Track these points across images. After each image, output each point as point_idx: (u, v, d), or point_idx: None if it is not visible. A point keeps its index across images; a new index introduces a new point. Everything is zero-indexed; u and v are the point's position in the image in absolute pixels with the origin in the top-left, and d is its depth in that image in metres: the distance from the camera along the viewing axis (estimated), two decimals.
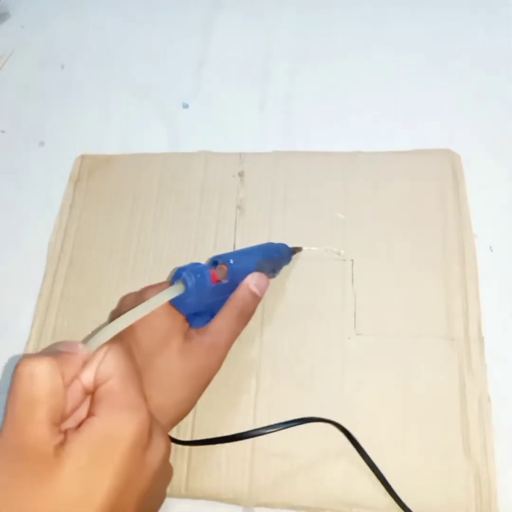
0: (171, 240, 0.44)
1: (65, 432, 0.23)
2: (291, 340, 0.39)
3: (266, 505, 0.34)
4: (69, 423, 0.24)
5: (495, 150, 0.45)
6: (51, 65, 0.56)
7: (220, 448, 0.36)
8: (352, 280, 0.40)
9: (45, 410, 0.22)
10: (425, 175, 0.43)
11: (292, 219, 0.43)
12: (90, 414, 0.24)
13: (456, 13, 0.52)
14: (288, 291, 0.40)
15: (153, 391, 0.30)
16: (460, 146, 0.44)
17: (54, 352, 0.24)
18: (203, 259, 0.42)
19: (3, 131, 0.52)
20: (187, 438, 0.36)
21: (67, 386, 0.23)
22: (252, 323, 0.39)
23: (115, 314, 0.37)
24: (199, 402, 0.34)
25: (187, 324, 0.34)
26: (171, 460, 0.28)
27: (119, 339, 0.26)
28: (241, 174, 0.46)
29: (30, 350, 0.41)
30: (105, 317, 0.41)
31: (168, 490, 0.29)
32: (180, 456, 0.36)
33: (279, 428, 0.32)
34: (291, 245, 0.41)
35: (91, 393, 0.25)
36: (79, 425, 0.23)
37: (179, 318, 0.33)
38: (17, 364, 0.23)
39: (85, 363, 0.24)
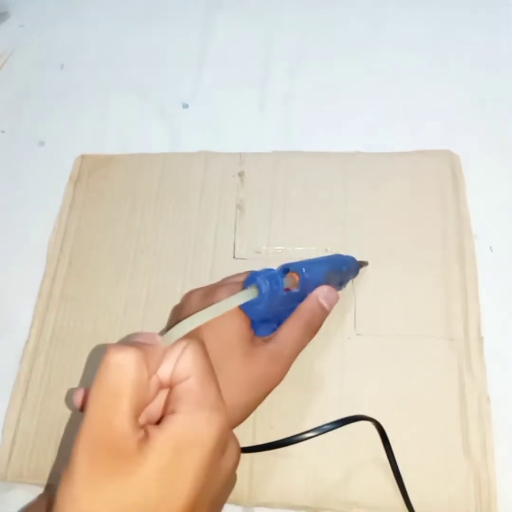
0: (171, 240, 0.44)
1: (144, 427, 0.22)
2: None
3: (266, 505, 0.34)
4: (141, 418, 0.23)
5: (495, 150, 0.45)
6: (50, 65, 0.56)
7: None
8: (352, 280, 0.40)
9: (130, 403, 0.22)
10: (425, 175, 0.43)
11: (292, 219, 0.43)
12: (170, 411, 0.23)
13: (456, 13, 0.52)
14: None
15: None
16: (460, 147, 0.44)
17: (134, 343, 0.23)
18: (203, 259, 0.42)
19: (3, 131, 0.52)
20: None
21: (149, 379, 0.23)
22: None
23: (178, 310, 0.37)
24: None
25: (252, 331, 0.33)
26: None
27: (194, 336, 0.25)
28: (241, 174, 0.46)
29: (30, 350, 0.40)
30: (105, 317, 0.41)
31: None
32: None
33: (327, 429, 0.31)
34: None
35: (166, 388, 0.24)
36: (158, 421, 0.23)
37: (245, 323, 0.32)
38: (105, 353, 0.22)
39: (163, 357, 0.24)
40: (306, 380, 0.37)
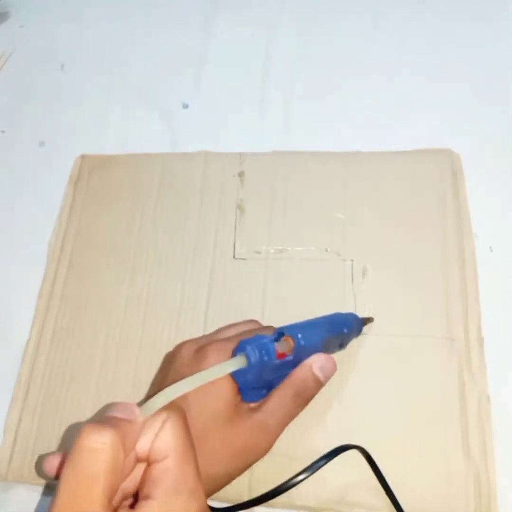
0: (171, 240, 0.44)
1: (117, 510, 0.21)
2: None
3: (266, 505, 0.34)
4: (117, 495, 0.23)
5: (495, 150, 0.45)
6: (50, 65, 0.56)
7: None
8: (352, 280, 0.40)
9: (103, 488, 0.21)
10: (425, 175, 0.43)
11: (292, 219, 0.43)
12: (146, 495, 0.22)
13: (456, 13, 0.52)
14: (288, 291, 0.40)
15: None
16: (460, 146, 0.44)
17: (111, 419, 0.22)
18: (203, 259, 0.42)
19: (3, 131, 0.52)
20: None
21: (125, 460, 0.22)
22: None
23: (169, 359, 0.35)
24: None
25: (239, 397, 0.32)
26: None
27: (174, 404, 0.24)
28: (241, 174, 0.46)
29: (30, 350, 0.41)
30: (105, 317, 0.41)
31: None
32: None
33: (315, 470, 0.32)
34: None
35: (143, 461, 0.23)
36: (132, 505, 0.22)
37: (232, 389, 0.31)
38: (79, 434, 0.21)
39: (141, 431, 0.23)
40: None
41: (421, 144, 0.45)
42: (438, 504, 0.33)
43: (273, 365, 0.30)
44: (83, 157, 0.49)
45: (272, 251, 0.42)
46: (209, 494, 0.31)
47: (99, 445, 0.21)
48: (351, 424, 0.35)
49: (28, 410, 0.39)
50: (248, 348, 0.30)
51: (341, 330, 0.35)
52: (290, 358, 0.31)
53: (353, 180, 0.44)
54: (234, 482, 0.33)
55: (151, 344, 0.40)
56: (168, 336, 0.40)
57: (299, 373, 0.32)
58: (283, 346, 0.31)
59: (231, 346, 0.32)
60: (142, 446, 0.23)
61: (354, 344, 0.38)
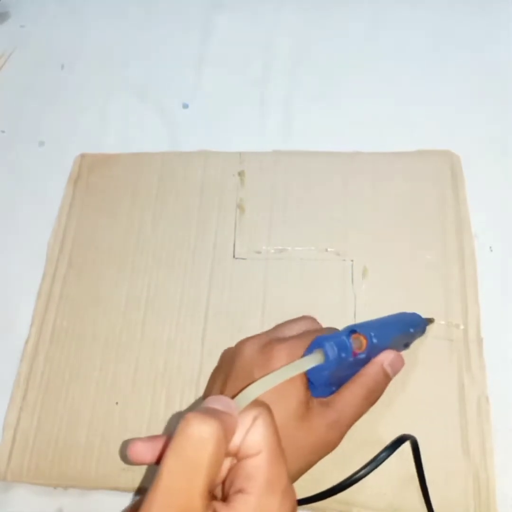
0: (171, 239, 0.44)
1: (211, 503, 0.21)
2: None
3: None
4: None
5: (495, 151, 0.45)
6: (51, 65, 0.56)
7: None
8: (352, 280, 0.40)
9: (205, 479, 0.20)
10: (425, 175, 0.43)
11: (292, 219, 0.43)
12: (239, 489, 0.22)
13: (456, 12, 0.52)
14: (288, 291, 0.40)
15: None
16: (460, 147, 0.44)
17: (212, 411, 0.22)
18: (203, 259, 0.42)
19: (3, 131, 0.52)
20: None
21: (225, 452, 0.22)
22: (252, 323, 0.39)
23: (229, 357, 0.35)
24: None
25: (309, 392, 0.31)
26: None
27: (261, 401, 0.24)
28: (241, 174, 0.46)
29: (29, 349, 0.40)
30: (104, 317, 0.41)
31: None
32: None
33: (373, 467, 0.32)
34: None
35: (231, 456, 0.23)
36: (226, 498, 0.22)
37: (303, 385, 0.31)
38: (184, 422, 0.21)
39: (237, 425, 0.23)
40: None
41: (421, 145, 0.45)
42: (437, 503, 0.33)
43: (348, 362, 0.31)
44: (82, 156, 0.49)
45: (272, 251, 0.42)
46: None
47: (205, 435, 0.21)
48: None
49: (27, 409, 0.39)
50: (327, 344, 0.30)
51: (408, 329, 0.35)
52: (363, 356, 0.32)
53: (353, 180, 0.44)
54: None
55: (151, 344, 0.40)
56: (168, 336, 0.40)
57: (371, 371, 0.32)
58: (356, 344, 0.31)
59: (300, 343, 0.32)
60: (234, 441, 0.23)
61: None
